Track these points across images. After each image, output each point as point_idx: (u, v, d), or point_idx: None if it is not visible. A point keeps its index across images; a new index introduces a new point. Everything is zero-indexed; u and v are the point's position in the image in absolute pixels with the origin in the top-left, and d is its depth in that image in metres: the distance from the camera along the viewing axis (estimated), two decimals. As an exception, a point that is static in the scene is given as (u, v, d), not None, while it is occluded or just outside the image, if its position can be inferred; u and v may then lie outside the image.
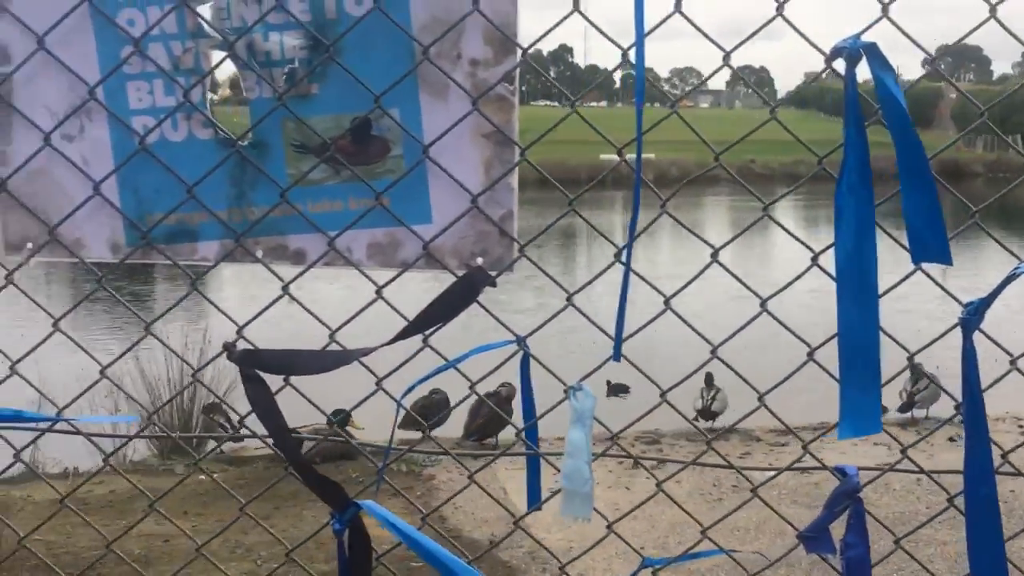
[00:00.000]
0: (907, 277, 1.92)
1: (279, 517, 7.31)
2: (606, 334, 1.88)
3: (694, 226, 2.31)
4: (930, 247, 1.71)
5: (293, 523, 7.28)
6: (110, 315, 16.16)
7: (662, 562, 2.02)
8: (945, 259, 1.71)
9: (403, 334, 1.86)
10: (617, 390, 9.62)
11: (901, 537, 2.21)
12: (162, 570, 6.03)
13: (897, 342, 1.94)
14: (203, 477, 8.01)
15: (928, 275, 1.91)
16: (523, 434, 2.03)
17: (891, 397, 9.71)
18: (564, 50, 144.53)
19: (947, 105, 78.76)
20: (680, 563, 2.09)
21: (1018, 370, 2.09)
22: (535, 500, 2.10)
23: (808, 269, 2.08)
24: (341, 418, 8.88)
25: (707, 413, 9.55)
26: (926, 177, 1.70)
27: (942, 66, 2.07)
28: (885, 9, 1.91)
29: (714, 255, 2.11)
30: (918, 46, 2.00)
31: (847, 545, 1.86)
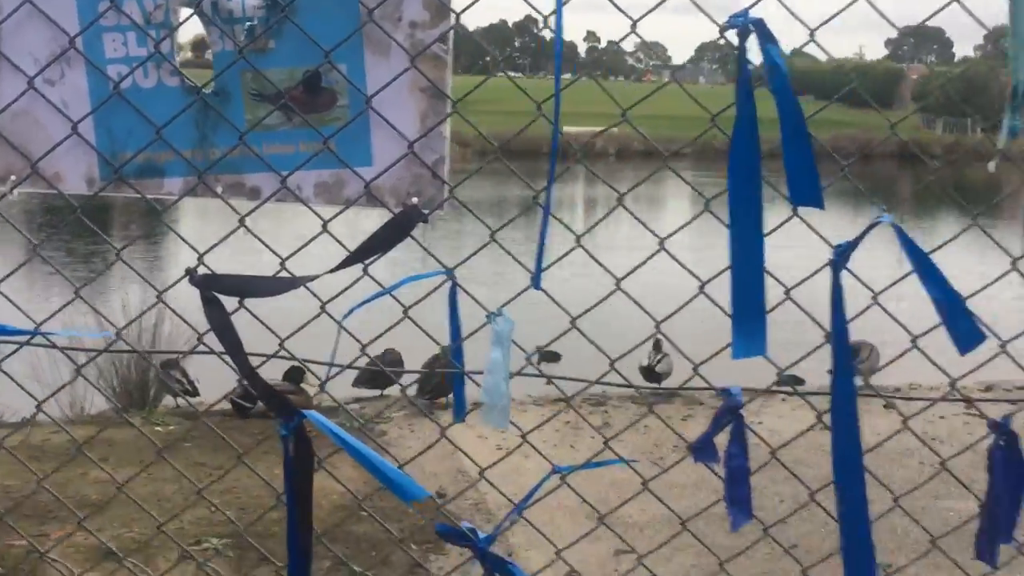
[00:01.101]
0: (785, 221, 2.19)
1: (235, 468, 7.55)
2: (524, 267, 2.14)
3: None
4: (805, 193, 1.98)
5: (247, 473, 7.51)
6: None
7: (568, 469, 2.27)
8: (817, 203, 1.98)
9: (345, 263, 2.12)
10: (546, 357, 9.81)
11: (777, 448, 2.50)
12: (118, 514, 6.24)
13: (774, 277, 2.20)
14: (159, 428, 8.24)
15: (805, 222, 2.18)
16: (449, 352, 2.30)
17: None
18: (530, 21, 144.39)
19: (908, 86, 79.67)
20: (588, 469, 2.34)
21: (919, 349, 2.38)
22: (461, 414, 2.38)
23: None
24: (294, 375, 9.02)
25: (650, 373, 9.76)
26: (803, 133, 1.97)
27: (905, 48, 2.32)
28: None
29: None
30: (892, 24, 2.26)
31: (730, 455, 2.14)
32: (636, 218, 2.47)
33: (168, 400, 9.61)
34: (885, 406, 9.24)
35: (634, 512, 6.26)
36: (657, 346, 9.90)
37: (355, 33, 2.16)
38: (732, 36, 2.01)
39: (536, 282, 2.13)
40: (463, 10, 2.19)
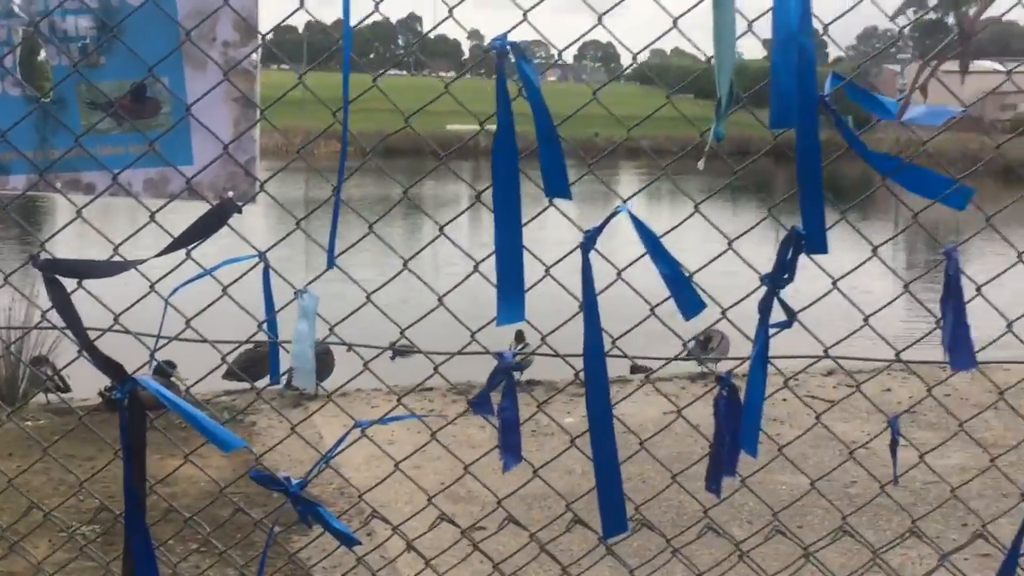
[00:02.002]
0: (540, 212, 2.57)
1: (102, 458, 7.75)
2: (320, 246, 2.49)
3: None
4: (557, 186, 2.37)
5: (118, 464, 7.72)
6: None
7: (367, 424, 2.63)
8: (567, 195, 2.36)
9: (168, 249, 2.47)
10: (399, 352, 10.09)
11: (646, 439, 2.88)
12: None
13: (534, 255, 2.58)
14: (29, 423, 8.40)
15: (560, 211, 2.56)
16: (265, 325, 2.66)
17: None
18: (413, 19, 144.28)
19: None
20: (389, 422, 2.69)
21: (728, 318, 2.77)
22: (275, 377, 2.76)
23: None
24: (163, 369, 9.19)
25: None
26: (554, 137, 2.35)
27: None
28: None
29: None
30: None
31: (502, 408, 2.54)
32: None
33: (40, 397, 9.71)
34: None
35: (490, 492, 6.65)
36: (519, 337, 10.31)
37: (175, 51, 2.54)
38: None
39: (330, 262, 2.49)
40: (269, 31, 2.57)
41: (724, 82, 2.25)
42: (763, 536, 2.90)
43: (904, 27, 3.26)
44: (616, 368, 2.79)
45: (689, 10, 2.61)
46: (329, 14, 2.76)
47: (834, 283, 2.60)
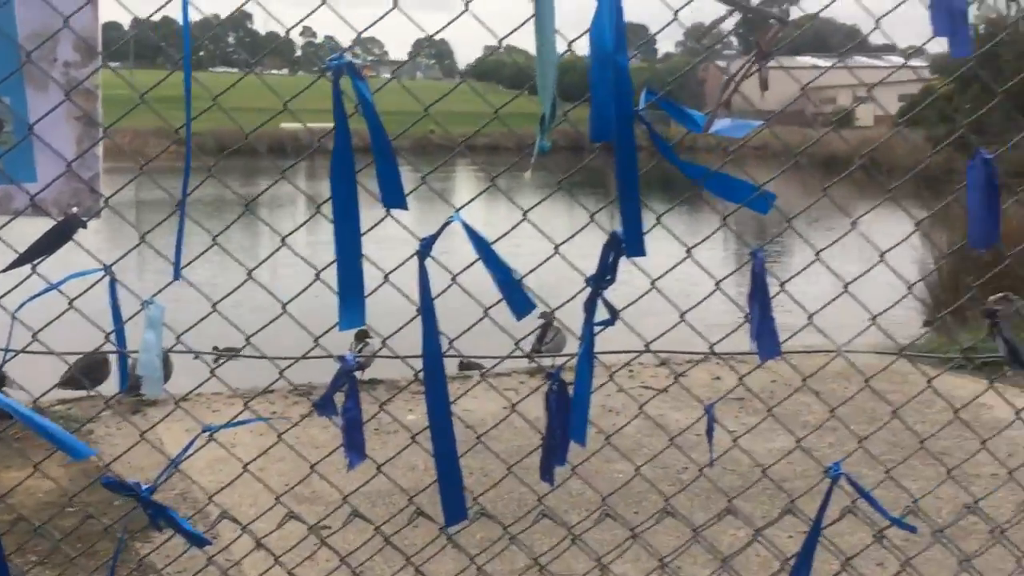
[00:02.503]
0: (379, 222, 2.71)
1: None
2: (165, 257, 2.58)
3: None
4: (393, 197, 2.50)
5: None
6: None
7: (215, 428, 2.73)
8: (403, 206, 2.50)
9: (14, 264, 2.52)
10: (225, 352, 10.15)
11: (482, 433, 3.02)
12: None
13: (372, 262, 2.72)
14: None
15: (397, 220, 2.70)
16: (112, 335, 2.74)
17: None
18: (243, 16, 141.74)
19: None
20: (234, 426, 2.79)
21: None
22: (124, 385, 2.83)
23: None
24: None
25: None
26: (389, 151, 2.48)
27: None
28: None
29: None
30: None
31: (345, 409, 2.67)
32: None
33: None
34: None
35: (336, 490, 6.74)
36: (360, 336, 10.40)
37: (15, 72, 2.58)
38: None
39: (176, 274, 2.58)
40: (109, 52, 2.65)
41: (547, 99, 2.41)
42: (593, 520, 3.08)
43: (717, 20, 3.43)
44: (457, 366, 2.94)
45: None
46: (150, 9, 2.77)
47: (652, 283, 2.80)
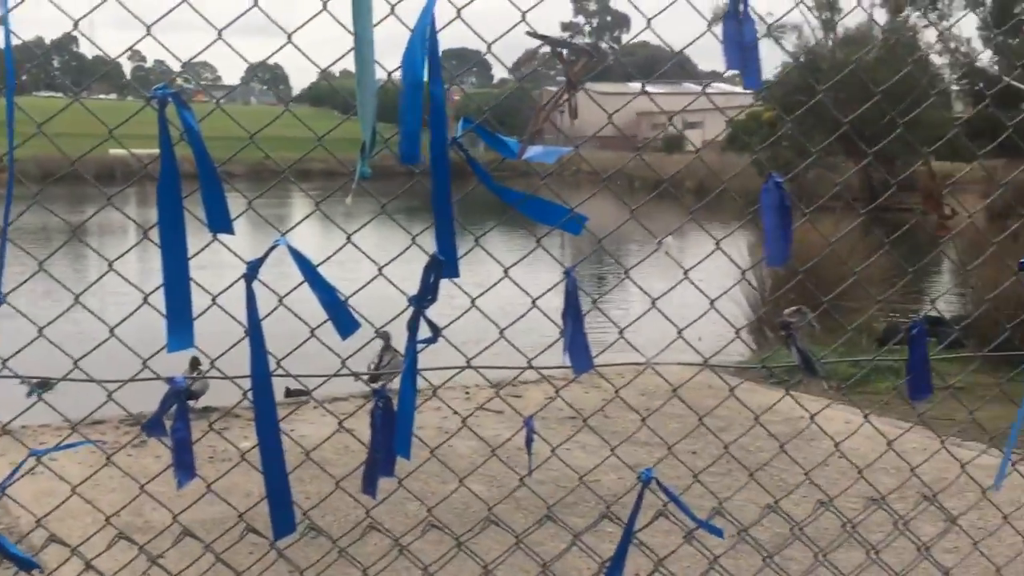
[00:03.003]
0: (204, 247, 2.78)
1: None
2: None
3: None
4: (219, 222, 2.57)
5: None
6: None
7: (43, 452, 2.75)
8: (229, 230, 2.57)
9: None
10: (41, 385, 9.97)
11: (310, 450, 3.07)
12: None
13: (200, 286, 2.79)
14: None
15: (224, 244, 2.78)
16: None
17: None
18: (69, 39, 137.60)
19: (450, 106, 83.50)
20: (63, 450, 2.81)
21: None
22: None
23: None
24: None
25: (188, 393, 10.16)
26: (215, 178, 2.56)
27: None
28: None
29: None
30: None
31: (174, 429, 2.72)
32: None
33: None
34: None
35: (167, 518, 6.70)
36: (194, 364, 10.29)
37: None
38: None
39: (0, 299, 2.61)
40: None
41: (367, 126, 2.52)
42: (420, 531, 3.19)
43: (529, 51, 3.58)
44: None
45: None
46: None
47: (472, 301, 2.93)
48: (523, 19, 2.81)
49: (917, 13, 51.23)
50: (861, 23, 51.27)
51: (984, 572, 4.14)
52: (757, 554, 3.32)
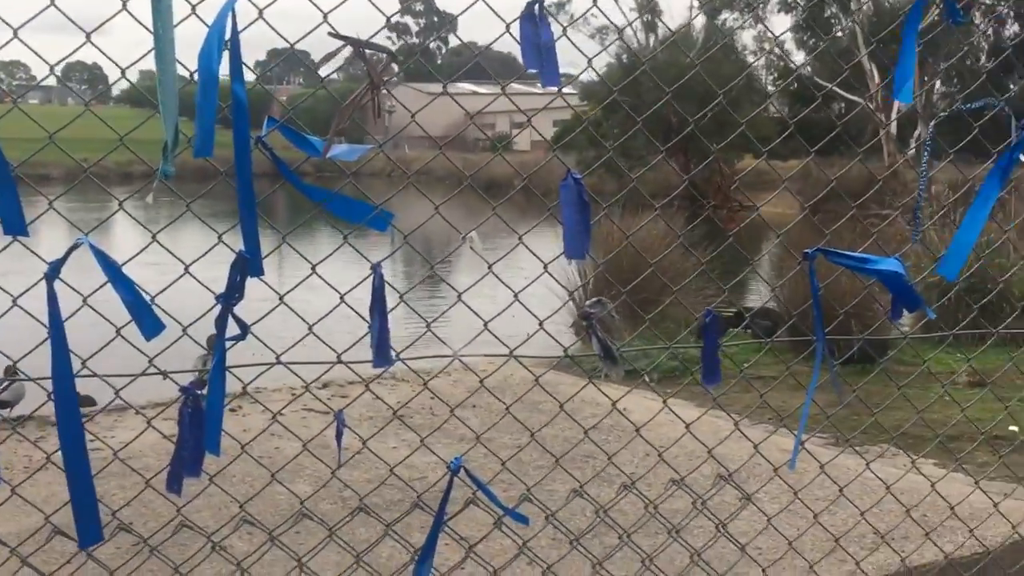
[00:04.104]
0: (5, 248, 2.74)
1: None
2: None
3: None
4: (11, 225, 2.53)
5: None
6: None
7: None
8: (23, 232, 2.54)
9: None
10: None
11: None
12: None
13: (5, 291, 2.75)
14: None
15: (25, 246, 2.74)
16: None
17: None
18: None
19: (277, 107, 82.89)
20: None
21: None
22: None
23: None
24: None
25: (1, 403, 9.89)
26: (9, 180, 2.53)
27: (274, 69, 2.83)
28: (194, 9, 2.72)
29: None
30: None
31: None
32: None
33: None
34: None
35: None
36: (8, 372, 9.98)
37: None
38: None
39: None
40: None
41: (170, 128, 2.52)
42: (232, 527, 3.21)
43: (329, 54, 3.61)
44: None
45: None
46: None
47: (281, 298, 2.96)
48: (325, 20, 2.85)
49: (735, 15, 52.88)
50: (681, 25, 52.70)
51: (777, 545, 4.35)
52: (566, 538, 3.44)
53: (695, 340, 12.72)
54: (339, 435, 2.99)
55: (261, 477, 6.79)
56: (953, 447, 7.99)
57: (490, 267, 3.10)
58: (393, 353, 2.82)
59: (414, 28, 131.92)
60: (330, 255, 3.05)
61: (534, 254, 3.26)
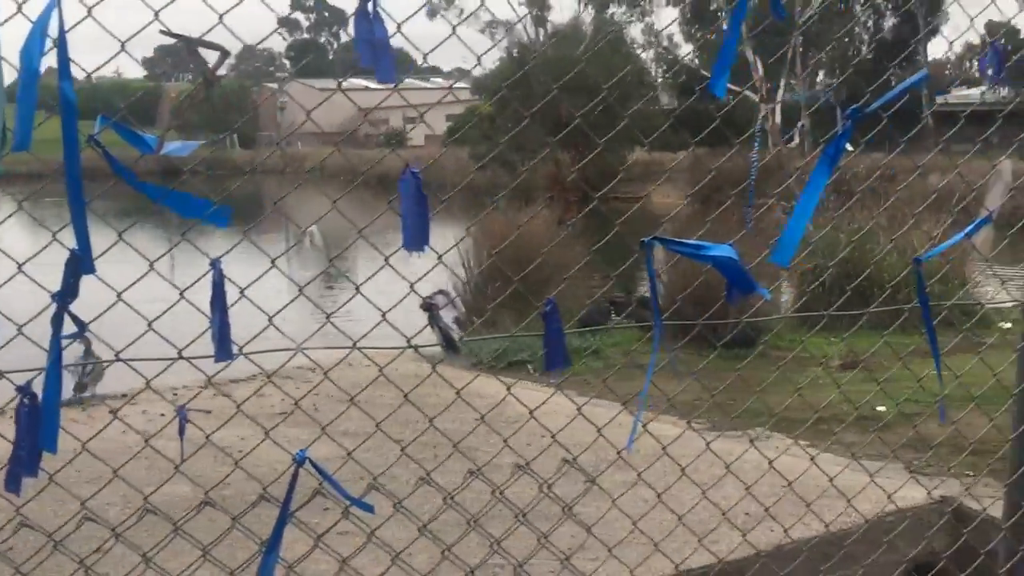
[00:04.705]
0: None
1: None
2: None
3: None
4: None
5: None
6: None
7: None
8: None
9: None
10: None
11: None
12: None
13: None
14: None
15: None
16: None
17: None
18: None
19: (167, 104, 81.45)
20: None
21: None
22: None
23: None
24: None
25: None
26: None
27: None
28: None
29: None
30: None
31: None
32: None
33: None
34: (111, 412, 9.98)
35: None
36: None
37: None
38: None
39: None
40: None
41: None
42: (75, 524, 3.20)
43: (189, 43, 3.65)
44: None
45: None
46: None
47: (119, 295, 2.96)
48: (156, 18, 2.85)
49: (622, 10, 53.51)
50: (571, 19, 53.15)
51: (623, 526, 4.46)
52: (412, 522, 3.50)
53: (577, 330, 12.75)
54: (181, 430, 3.01)
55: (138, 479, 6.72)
56: (824, 428, 8.22)
57: (331, 261, 3.14)
58: (235, 347, 2.84)
59: (304, 24, 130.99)
60: (168, 251, 3.05)
61: (376, 248, 3.30)
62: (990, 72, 4.10)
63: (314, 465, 2.94)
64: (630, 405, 7.97)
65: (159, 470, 3.65)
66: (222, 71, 2.81)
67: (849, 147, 3.41)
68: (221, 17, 2.93)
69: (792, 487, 4.39)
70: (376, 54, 2.88)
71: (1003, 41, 4.15)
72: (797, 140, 42.91)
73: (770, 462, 4.61)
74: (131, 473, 3.43)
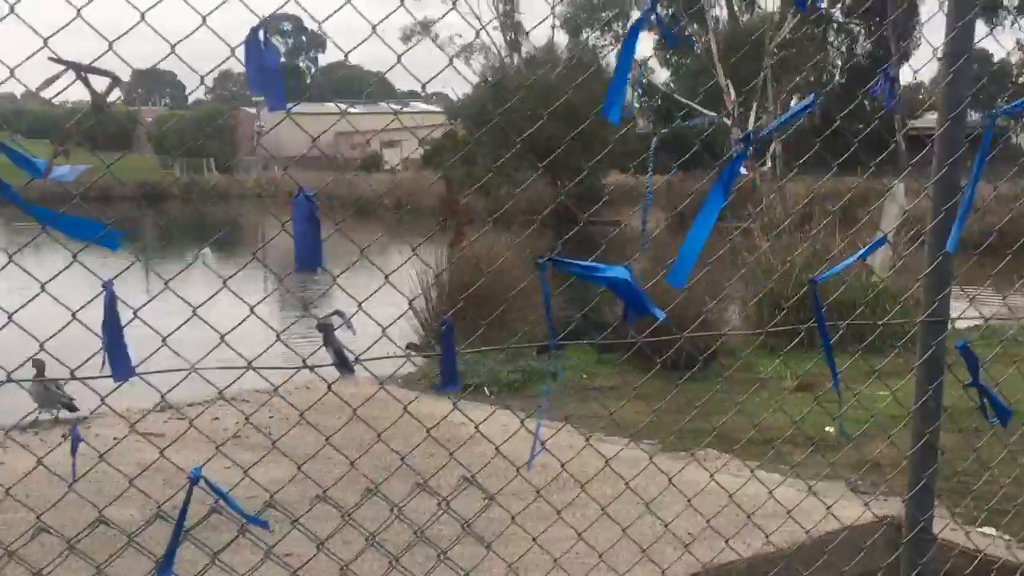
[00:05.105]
0: None
1: None
2: None
3: None
4: None
5: None
6: None
7: None
8: None
9: None
10: None
11: None
12: None
13: None
14: None
15: None
16: None
17: None
18: None
19: (144, 128, 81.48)
20: None
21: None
22: None
23: None
24: None
25: None
26: None
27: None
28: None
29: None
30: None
31: None
32: None
33: None
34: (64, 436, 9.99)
35: None
36: None
37: None
38: None
39: None
40: None
41: None
42: (29, 536, 3.25)
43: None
44: None
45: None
46: None
47: (10, 316, 2.96)
48: (45, 44, 2.87)
49: (596, 34, 53.72)
50: (545, 44, 53.36)
51: (567, 536, 4.49)
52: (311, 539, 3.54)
53: (535, 353, 12.84)
54: (74, 450, 3.04)
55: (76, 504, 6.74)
56: (774, 449, 8.29)
57: (224, 282, 3.17)
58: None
59: (282, 48, 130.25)
60: (60, 273, 3.06)
61: (270, 270, 3.34)
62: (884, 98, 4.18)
63: (208, 483, 2.97)
64: (571, 421, 8.05)
65: (108, 496, 3.69)
66: (113, 95, 2.85)
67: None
68: (46, 41, 2.89)
69: (734, 502, 4.45)
70: (265, 80, 2.93)
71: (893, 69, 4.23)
72: (769, 164, 43.14)
73: (711, 474, 4.67)
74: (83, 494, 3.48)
